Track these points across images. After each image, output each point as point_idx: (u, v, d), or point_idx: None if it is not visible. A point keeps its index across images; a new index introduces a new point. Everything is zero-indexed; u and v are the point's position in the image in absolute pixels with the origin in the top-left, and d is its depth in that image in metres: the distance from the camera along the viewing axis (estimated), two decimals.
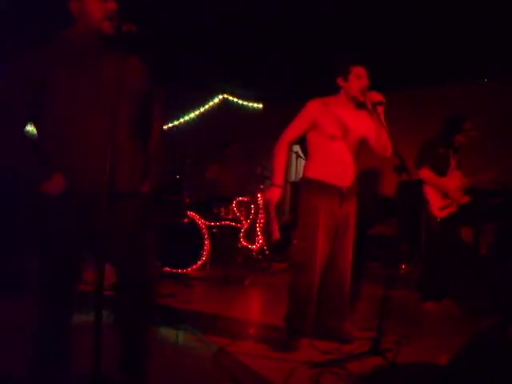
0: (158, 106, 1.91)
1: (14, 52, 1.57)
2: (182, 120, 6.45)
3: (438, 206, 3.51)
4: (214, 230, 4.80)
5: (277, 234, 2.73)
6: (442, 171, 3.53)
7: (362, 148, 2.70)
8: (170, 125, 6.34)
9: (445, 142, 3.54)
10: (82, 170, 1.61)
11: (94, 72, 1.62)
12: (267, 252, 5.19)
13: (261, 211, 5.17)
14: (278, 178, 2.63)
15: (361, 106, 2.62)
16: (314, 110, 2.60)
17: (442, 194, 3.54)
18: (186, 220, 4.54)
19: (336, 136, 2.56)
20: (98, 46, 1.63)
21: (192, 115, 6.54)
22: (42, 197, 1.58)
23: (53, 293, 1.68)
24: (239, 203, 5.03)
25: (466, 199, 3.57)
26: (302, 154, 5.92)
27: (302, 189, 2.70)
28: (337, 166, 2.59)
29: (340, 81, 2.60)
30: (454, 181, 3.55)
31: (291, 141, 2.73)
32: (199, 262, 4.44)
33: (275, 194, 2.61)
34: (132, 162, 1.74)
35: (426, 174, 3.50)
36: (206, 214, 4.78)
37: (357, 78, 2.53)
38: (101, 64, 1.63)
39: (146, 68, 1.80)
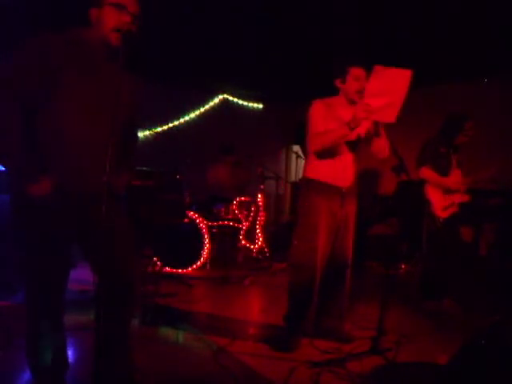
0: (138, 114, 1.98)
1: (24, 42, 1.57)
2: (182, 120, 6.44)
3: (440, 207, 3.51)
4: (214, 230, 4.80)
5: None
6: (443, 171, 3.52)
7: (361, 148, 2.70)
8: (170, 125, 6.34)
9: (446, 141, 3.53)
10: (74, 170, 1.61)
11: (96, 76, 1.65)
12: (267, 252, 5.19)
13: (261, 211, 5.18)
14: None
15: None
16: (320, 109, 2.56)
17: (444, 193, 3.53)
18: (186, 220, 4.54)
19: None
20: (103, 54, 1.68)
21: (192, 115, 6.54)
22: (28, 196, 1.57)
23: (41, 293, 1.68)
24: (239, 203, 5.03)
25: (466, 198, 3.57)
26: (302, 154, 5.93)
27: (302, 189, 2.69)
28: (337, 166, 2.59)
29: (338, 83, 2.59)
30: (455, 179, 3.54)
31: None
32: (199, 262, 4.44)
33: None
34: (116, 163, 1.75)
35: (426, 173, 3.50)
36: (206, 213, 4.78)
37: (354, 80, 2.50)
38: (103, 70, 1.68)
39: (139, 85, 1.88)
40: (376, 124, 2.46)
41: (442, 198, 3.53)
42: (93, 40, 1.66)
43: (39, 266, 1.65)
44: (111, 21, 1.63)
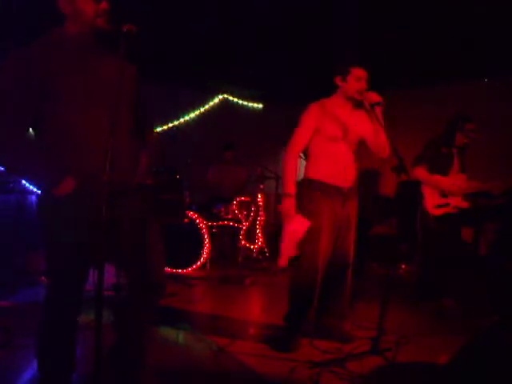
0: (150, 110, 1.97)
1: (14, 51, 1.54)
2: (182, 120, 6.44)
3: (432, 204, 3.51)
4: (214, 230, 4.80)
5: (283, 261, 2.59)
6: (443, 171, 3.52)
7: (361, 148, 2.70)
8: (170, 125, 6.33)
9: (447, 140, 3.53)
10: (84, 171, 1.59)
11: (94, 71, 1.63)
12: (267, 252, 5.20)
13: (261, 211, 5.18)
14: (291, 188, 2.57)
15: (358, 105, 2.62)
16: (314, 115, 2.58)
17: (440, 192, 3.53)
18: (186, 220, 4.54)
19: (337, 137, 2.56)
20: (96, 44, 1.65)
21: (192, 115, 6.53)
22: (51, 197, 1.58)
23: (63, 292, 1.67)
24: (239, 203, 5.04)
25: (465, 204, 3.55)
26: (302, 155, 5.93)
27: (303, 190, 2.68)
28: (338, 167, 2.59)
29: (338, 80, 2.59)
30: (458, 183, 3.52)
31: (299, 150, 2.68)
32: (199, 262, 4.44)
33: (290, 204, 2.56)
34: (133, 160, 1.77)
35: (419, 172, 3.50)
36: (206, 214, 4.78)
37: (355, 80, 2.51)
38: (101, 63, 1.64)
39: (138, 76, 1.83)
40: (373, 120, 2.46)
41: (437, 196, 3.53)
42: (79, 34, 1.62)
43: (72, 263, 1.63)
44: (90, 11, 1.58)
